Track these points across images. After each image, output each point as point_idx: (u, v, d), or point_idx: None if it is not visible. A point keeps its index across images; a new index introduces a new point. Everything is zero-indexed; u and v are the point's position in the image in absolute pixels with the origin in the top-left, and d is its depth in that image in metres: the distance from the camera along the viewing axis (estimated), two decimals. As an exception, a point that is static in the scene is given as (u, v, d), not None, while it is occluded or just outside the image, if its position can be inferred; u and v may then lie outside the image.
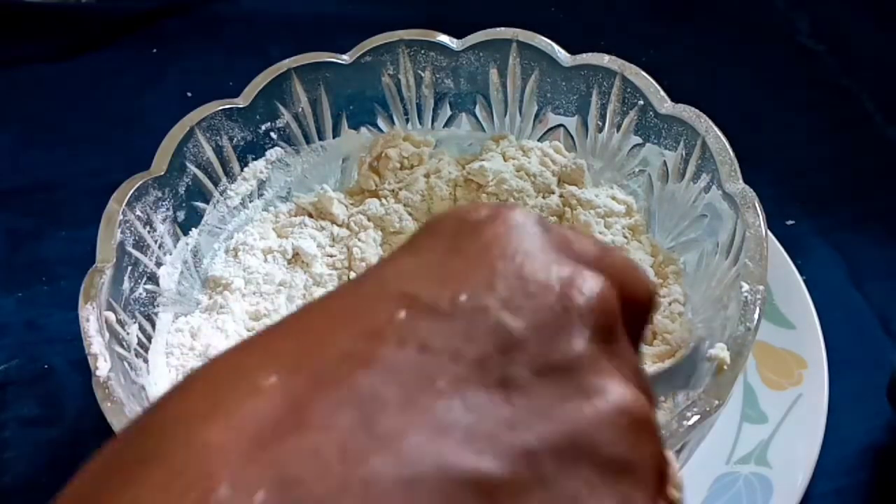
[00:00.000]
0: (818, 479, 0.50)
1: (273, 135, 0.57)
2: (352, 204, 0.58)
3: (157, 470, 0.20)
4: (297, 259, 0.55)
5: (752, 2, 0.79)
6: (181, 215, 0.53)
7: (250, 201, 0.57)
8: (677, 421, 0.40)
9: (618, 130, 0.55)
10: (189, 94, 0.70)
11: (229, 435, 0.20)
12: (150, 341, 0.50)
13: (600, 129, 0.56)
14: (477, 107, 0.58)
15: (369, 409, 0.21)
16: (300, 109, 0.57)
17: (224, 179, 0.55)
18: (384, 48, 0.57)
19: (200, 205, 0.54)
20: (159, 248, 0.52)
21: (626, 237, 0.53)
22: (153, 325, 0.50)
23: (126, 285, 0.49)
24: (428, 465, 0.20)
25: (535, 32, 0.56)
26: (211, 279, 0.54)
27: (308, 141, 0.58)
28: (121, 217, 0.49)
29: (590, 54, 0.55)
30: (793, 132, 0.69)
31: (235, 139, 0.55)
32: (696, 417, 0.40)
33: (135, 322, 0.49)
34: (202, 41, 0.76)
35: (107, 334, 0.45)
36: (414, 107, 0.59)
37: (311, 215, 0.57)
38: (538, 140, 0.58)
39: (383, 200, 0.57)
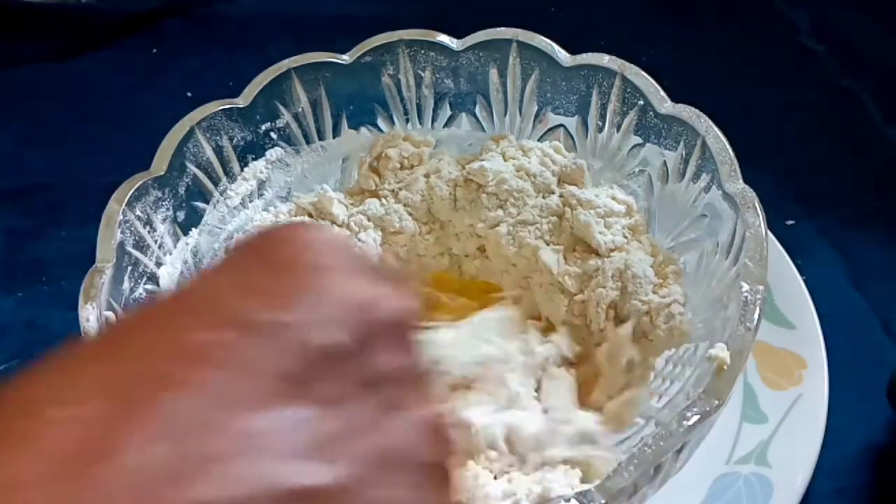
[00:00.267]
0: (818, 479, 0.50)
1: (273, 135, 0.57)
2: (352, 204, 0.58)
3: None
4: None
5: (752, 2, 0.79)
6: (181, 215, 0.53)
7: (250, 201, 0.56)
8: (677, 421, 0.40)
9: (618, 130, 0.55)
10: (189, 94, 0.70)
11: (31, 469, 0.20)
12: (150, 341, 0.49)
13: (600, 129, 0.56)
14: (477, 107, 0.58)
15: (192, 433, 0.21)
16: (300, 109, 0.57)
17: (224, 179, 0.55)
18: (384, 48, 0.57)
19: (200, 205, 0.54)
20: (159, 248, 0.51)
21: (626, 237, 0.53)
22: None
23: (126, 285, 0.49)
24: (255, 484, 0.21)
25: (535, 32, 0.56)
26: (211, 279, 0.54)
27: (308, 141, 0.58)
28: (121, 217, 0.49)
29: (590, 54, 0.55)
30: (793, 132, 0.69)
31: (235, 139, 0.55)
32: (696, 417, 0.40)
33: (135, 322, 0.48)
34: (202, 41, 0.77)
35: (107, 334, 0.45)
36: (414, 107, 0.59)
37: (311, 215, 0.57)
38: (538, 140, 0.57)
39: (383, 200, 0.57)
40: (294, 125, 0.57)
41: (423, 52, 0.57)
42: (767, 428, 0.52)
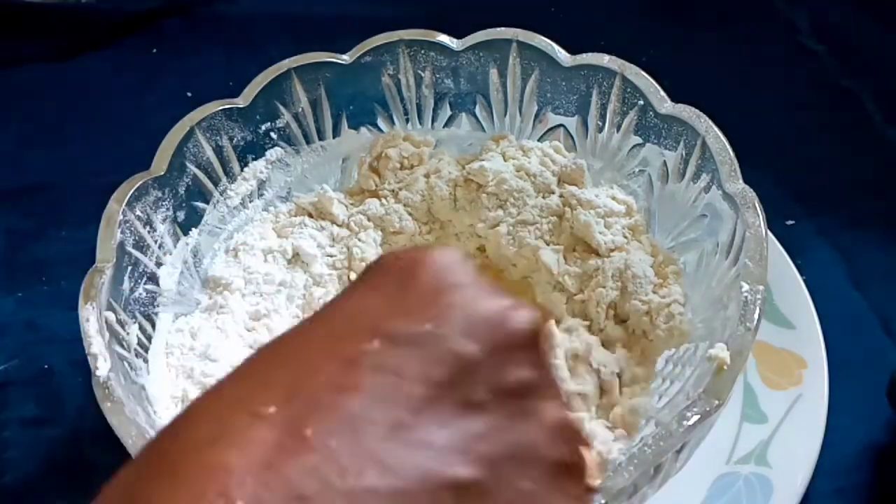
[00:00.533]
0: (818, 479, 0.50)
1: (273, 135, 0.57)
2: (352, 204, 0.58)
3: (179, 490, 0.23)
4: (296, 259, 0.55)
5: (752, 2, 0.79)
6: (181, 215, 0.53)
7: (250, 201, 0.57)
8: (677, 421, 0.40)
9: (618, 130, 0.55)
10: (189, 94, 0.70)
11: (240, 459, 0.23)
12: (150, 341, 0.50)
13: (600, 129, 0.56)
14: (477, 107, 0.58)
15: (358, 429, 0.24)
16: (300, 109, 0.57)
17: (224, 179, 0.55)
18: (384, 48, 0.57)
19: (200, 205, 0.54)
20: (159, 248, 0.51)
21: (626, 237, 0.53)
22: (153, 325, 0.50)
23: (126, 285, 0.49)
24: (414, 475, 0.24)
25: (535, 32, 0.56)
26: (211, 279, 0.54)
27: (308, 141, 0.58)
28: (121, 217, 0.49)
29: (590, 54, 0.55)
30: (793, 132, 0.69)
31: (235, 139, 0.55)
32: (696, 417, 0.40)
33: (135, 322, 0.49)
34: (202, 41, 0.77)
35: (107, 334, 0.45)
36: (414, 107, 0.59)
37: (311, 215, 0.57)
38: (538, 140, 0.57)
39: (383, 200, 0.57)
40: (294, 125, 0.57)
41: (423, 52, 0.57)
42: (767, 428, 0.52)
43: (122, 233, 0.49)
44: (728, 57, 0.74)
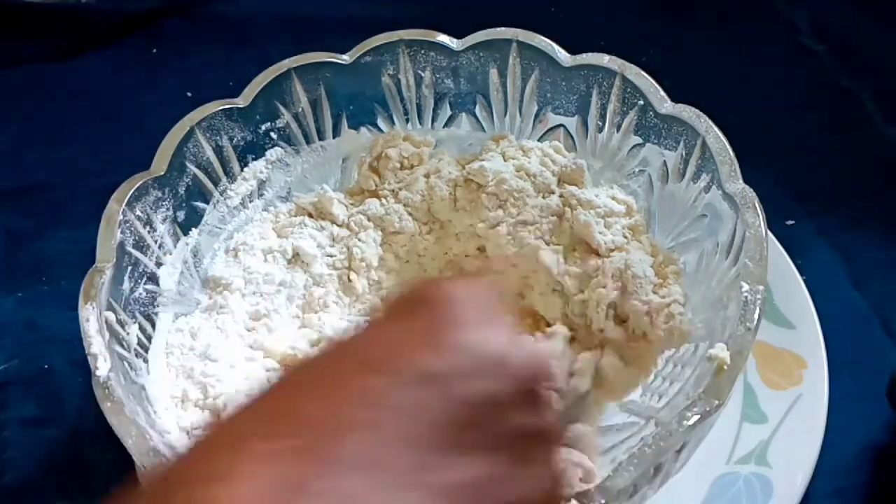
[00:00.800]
0: (818, 479, 0.50)
1: (273, 135, 0.57)
2: (352, 204, 0.58)
3: None
4: (296, 259, 0.55)
5: (752, 2, 0.79)
6: (181, 215, 0.53)
7: (250, 201, 0.57)
8: (677, 421, 0.40)
9: (618, 130, 0.55)
10: (189, 94, 0.70)
11: (246, 496, 0.23)
12: (150, 341, 0.50)
13: (600, 129, 0.56)
14: (477, 107, 0.58)
15: (359, 474, 0.24)
16: (300, 109, 0.57)
17: (224, 179, 0.55)
18: (384, 48, 0.57)
19: (200, 205, 0.54)
20: (159, 248, 0.51)
21: (626, 237, 0.53)
22: (153, 325, 0.50)
23: (126, 285, 0.49)
24: None
25: (535, 32, 0.56)
26: (211, 279, 0.54)
27: (308, 141, 0.58)
28: (121, 217, 0.49)
29: (590, 54, 0.55)
30: (793, 132, 0.69)
31: (235, 139, 0.55)
32: (696, 417, 0.40)
33: (135, 322, 0.49)
34: (202, 41, 0.77)
35: (107, 334, 0.45)
36: (414, 107, 0.59)
37: (311, 215, 0.57)
38: (538, 140, 0.57)
39: (383, 200, 0.57)
40: (294, 125, 0.57)
41: (423, 52, 0.57)
42: (767, 428, 0.52)
43: (122, 233, 0.49)
44: (728, 57, 0.74)
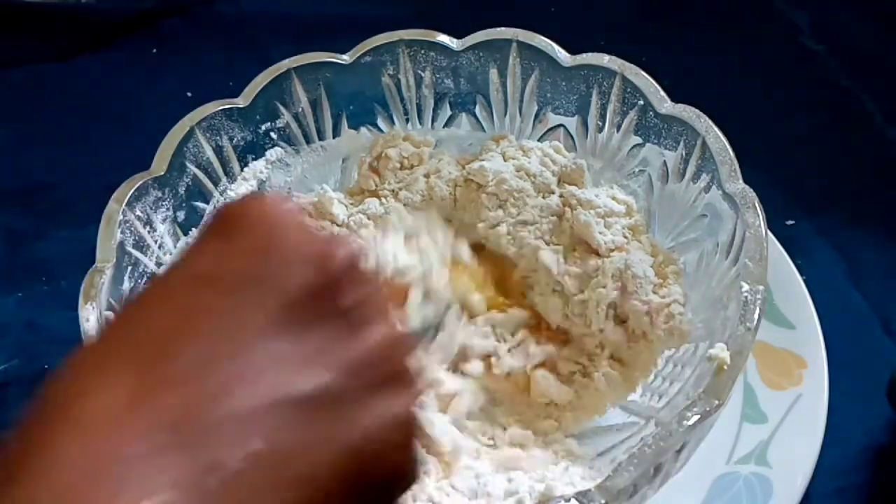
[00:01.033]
0: (818, 479, 0.50)
1: (273, 135, 0.57)
2: (352, 204, 0.58)
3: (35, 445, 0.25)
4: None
5: (752, 2, 0.79)
6: (181, 215, 0.53)
7: (250, 201, 0.56)
8: (677, 421, 0.40)
9: (618, 130, 0.55)
10: (189, 94, 0.70)
11: (107, 402, 0.26)
12: (150, 341, 0.49)
13: (600, 129, 0.56)
14: (477, 107, 0.58)
15: (206, 367, 0.27)
16: (300, 109, 0.57)
17: (224, 179, 0.55)
18: (384, 48, 0.57)
19: (200, 205, 0.54)
20: (159, 248, 0.51)
21: (626, 237, 0.53)
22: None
23: (126, 285, 0.49)
24: (269, 396, 0.26)
25: (535, 32, 0.56)
26: (211, 279, 0.54)
27: (308, 141, 0.58)
28: (121, 217, 0.49)
29: (590, 54, 0.55)
30: (793, 132, 0.69)
31: (235, 139, 0.55)
32: (696, 417, 0.40)
33: (135, 322, 0.48)
34: (202, 41, 0.77)
35: (107, 334, 0.45)
36: (414, 107, 0.59)
37: (310, 215, 0.57)
38: (538, 140, 0.57)
39: (383, 200, 0.57)
40: (294, 125, 0.57)
41: (423, 52, 0.57)
42: (767, 428, 0.52)
43: (122, 233, 0.49)
44: (728, 57, 0.74)
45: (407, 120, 0.59)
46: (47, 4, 0.77)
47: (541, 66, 0.56)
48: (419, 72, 0.57)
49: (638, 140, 0.54)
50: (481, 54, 0.56)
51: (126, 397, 0.26)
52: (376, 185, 0.57)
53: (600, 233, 0.52)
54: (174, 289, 0.29)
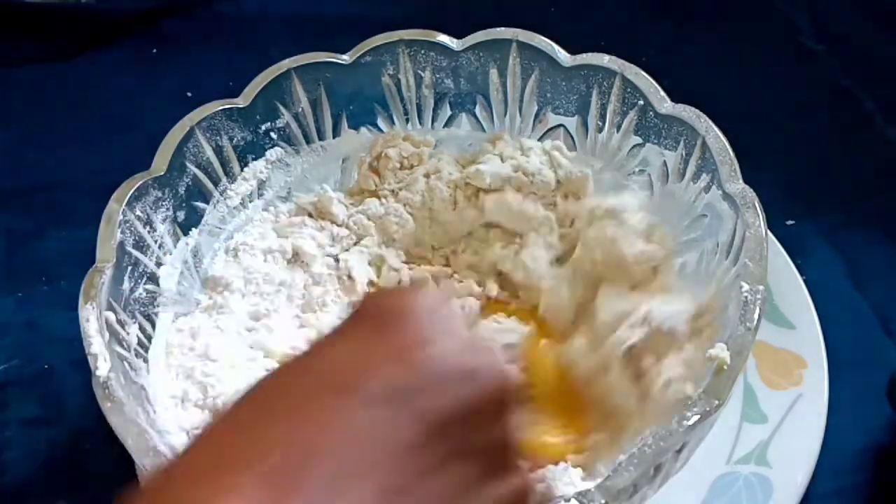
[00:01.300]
0: (818, 479, 0.50)
1: (273, 135, 0.57)
2: (352, 204, 0.58)
3: None
4: (296, 259, 0.55)
5: (752, 2, 0.79)
6: (181, 215, 0.53)
7: (250, 201, 0.57)
8: (677, 421, 0.40)
9: (618, 130, 0.55)
10: (189, 94, 0.70)
11: None
12: (150, 341, 0.50)
13: (600, 129, 0.56)
14: (477, 107, 0.58)
15: (337, 494, 0.24)
16: (300, 109, 0.57)
17: (224, 179, 0.55)
18: (384, 48, 0.57)
19: (200, 205, 0.54)
20: (159, 248, 0.51)
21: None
22: (153, 325, 0.50)
23: (126, 285, 0.49)
24: None
25: (535, 32, 0.56)
26: (211, 279, 0.54)
27: (308, 141, 0.58)
28: (121, 217, 0.49)
29: (590, 54, 0.55)
30: (793, 132, 0.69)
31: (235, 139, 0.55)
32: (696, 417, 0.40)
33: (135, 322, 0.49)
34: (202, 41, 0.77)
35: (107, 334, 0.45)
36: (414, 107, 0.59)
37: (311, 215, 0.57)
38: (538, 140, 0.57)
39: (383, 200, 0.57)
40: (294, 125, 0.57)
41: (423, 52, 0.57)
42: (767, 428, 0.52)
43: (122, 233, 0.49)
44: (728, 57, 0.74)
45: (407, 120, 0.59)
46: (47, 4, 0.77)
47: (541, 66, 0.56)
48: (419, 72, 0.57)
49: (638, 140, 0.54)
50: (481, 54, 0.56)
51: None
52: (376, 185, 0.57)
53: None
54: (307, 389, 0.27)
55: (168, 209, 0.52)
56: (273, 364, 0.51)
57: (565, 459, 0.47)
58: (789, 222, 0.63)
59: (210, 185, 0.54)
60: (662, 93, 0.53)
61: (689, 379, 0.45)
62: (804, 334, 0.54)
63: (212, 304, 0.53)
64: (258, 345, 0.51)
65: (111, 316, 0.46)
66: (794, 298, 0.56)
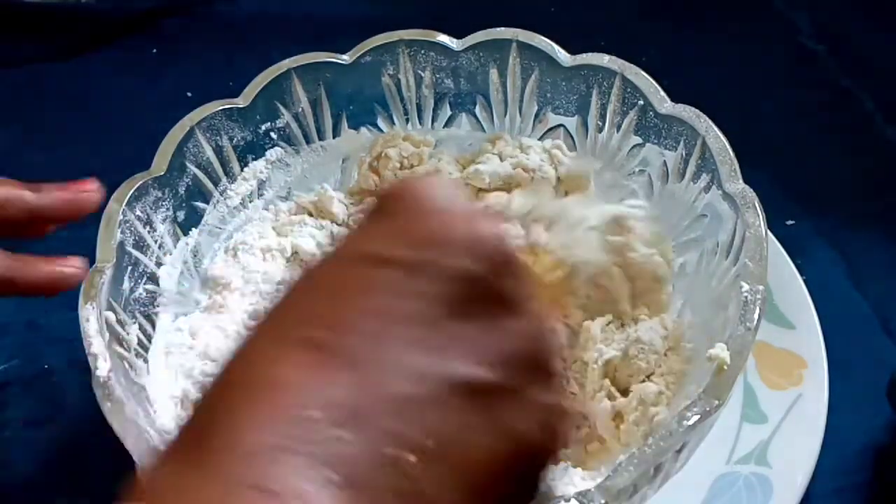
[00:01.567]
0: (818, 479, 0.50)
1: (273, 135, 0.57)
2: (352, 204, 0.58)
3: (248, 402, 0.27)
4: (296, 258, 0.55)
5: (752, 2, 0.79)
6: (181, 215, 0.53)
7: (250, 201, 0.57)
8: (677, 421, 0.40)
9: (618, 130, 0.55)
10: (189, 94, 0.70)
11: (296, 376, 0.27)
12: (150, 341, 0.50)
13: (600, 129, 0.56)
14: (477, 107, 0.58)
15: (385, 346, 0.28)
16: (300, 109, 0.57)
17: (224, 179, 0.55)
18: (384, 48, 0.57)
19: (200, 205, 0.54)
20: (159, 248, 0.52)
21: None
22: (153, 325, 0.50)
23: (126, 285, 0.49)
24: (442, 381, 0.28)
25: (535, 32, 0.56)
26: (210, 279, 0.54)
27: (308, 141, 0.58)
28: (121, 217, 0.49)
29: (590, 54, 0.55)
30: (793, 132, 0.69)
31: (235, 139, 0.55)
32: (696, 417, 0.40)
33: (135, 322, 0.49)
34: (202, 41, 0.76)
35: (107, 334, 0.45)
36: (414, 107, 0.59)
37: (311, 214, 0.57)
38: (538, 140, 0.57)
39: (383, 200, 0.57)
40: (294, 125, 0.57)
41: (423, 52, 0.57)
42: (767, 428, 0.52)
43: (122, 233, 0.49)
44: (728, 57, 0.74)
45: (407, 120, 0.59)
46: (47, 4, 0.77)
47: (541, 66, 0.56)
48: (419, 72, 0.57)
49: (638, 140, 0.54)
50: (481, 54, 0.56)
51: (308, 367, 0.27)
52: (376, 185, 0.57)
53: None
54: (351, 265, 0.30)
55: (168, 209, 0.52)
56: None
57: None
58: (789, 222, 0.63)
59: (210, 185, 0.54)
60: (662, 93, 0.53)
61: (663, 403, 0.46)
62: (804, 334, 0.54)
63: (211, 303, 0.53)
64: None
65: (111, 316, 0.46)
66: (794, 298, 0.56)
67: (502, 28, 0.56)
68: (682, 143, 0.51)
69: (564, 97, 0.56)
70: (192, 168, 0.53)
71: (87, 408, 0.49)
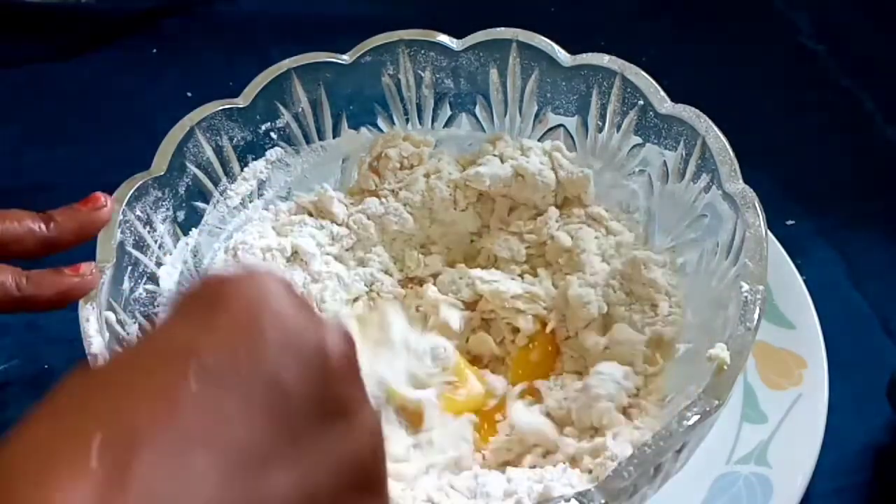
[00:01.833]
0: (818, 479, 0.50)
1: (273, 135, 0.57)
2: (352, 203, 0.58)
3: None
4: (295, 257, 0.55)
5: (752, 2, 0.79)
6: (181, 215, 0.53)
7: (250, 201, 0.56)
8: (677, 421, 0.40)
9: (618, 130, 0.55)
10: (189, 94, 0.70)
11: (67, 495, 0.23)
12: (150, 341, 0.49)
13: (600, 129, 0.56)
14: (477, 107, 0.58)
15: (181, 477, 0.24)
16: (300, 109, 0.57)
17: (224, 179, 0.55)
18: (384, 48, 0.57)
19: (200, 205, 0.54)
20: (159, 248, 0.52)
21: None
22: (153, 326, 0.50)
23: (126, 285, 0.49)
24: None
25: (535, 32, 0.56)
26: (211, 279, 0.54)
27: (308, 141, 0.58)
28: (121, 217, 0.49)
29: (590, 54, 0.55)
30: (793, 132, 0.69)
31: (235, 139, 0.55)
32: (696, 417, 0.40)
33: (135, 322, 0.49)
34: (202, 41, 0.77)
35: (107, 334, 0.45)
36: (414, 107, 0.59)
37: (311, 214, 0.57)
38: (538, 140, 0.57)
39: (383, 200, 0.57)
40: (294, 125, 0.57)
41: (423, 52, 0.57)
42: (767, 428, 0.52)
43: (122, 233, 0.49)
44: (728, 57, 0.74)
45: (407, 120, 0.59)
46: (47, 4, 0.77)
47: (541, 66, 0.56)
48: (419, 72, 0.57)
49: (638, 140, 0.54)
50: (481, 54, 0.56)
51: (94, 495, 0.23)
52: (376, 185, 0.57)
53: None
54: (152, 366, 0.26)
55: (168, 209, 0.52)
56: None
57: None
58: (789, 222, 0.63)
59: (210, 185, 0.54)
60: (662, 93, 0.53)
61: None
62: (804, 334, 0.54)
63: (212, 304, 0.53)
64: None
65: (111, 316, 0.46)
66: (794, 298, 0.56)
67: (502, 28, 0.56)
68: (682, 143, 0.51)
69: (564, 97, 0.56)
70: (192, 168, 0.53)
71: (87, 408, 0.49)
